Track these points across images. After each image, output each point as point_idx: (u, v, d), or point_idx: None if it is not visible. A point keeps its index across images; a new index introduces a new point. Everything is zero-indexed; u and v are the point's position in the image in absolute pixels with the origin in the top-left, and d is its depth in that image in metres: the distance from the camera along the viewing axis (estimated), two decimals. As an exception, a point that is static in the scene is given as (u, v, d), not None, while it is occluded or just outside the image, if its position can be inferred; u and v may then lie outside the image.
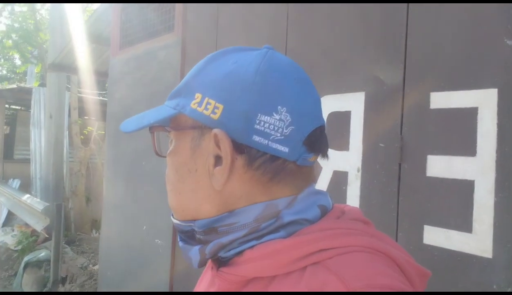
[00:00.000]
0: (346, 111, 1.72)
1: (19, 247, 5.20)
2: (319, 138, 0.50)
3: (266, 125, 0.47)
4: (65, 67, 5.04)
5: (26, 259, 4.60)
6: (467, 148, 1.39)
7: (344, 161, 1.71)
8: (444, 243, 1.39)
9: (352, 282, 0.40)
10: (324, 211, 0.50)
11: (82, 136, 6.40)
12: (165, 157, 0.56)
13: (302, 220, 0.48)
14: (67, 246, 4.69)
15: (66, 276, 4.23)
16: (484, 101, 1.37)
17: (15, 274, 4.82)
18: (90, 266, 4.21)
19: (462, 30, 1.44)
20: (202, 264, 0.51)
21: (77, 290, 3.87)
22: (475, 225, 1.34)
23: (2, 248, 5.66)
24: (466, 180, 1.39)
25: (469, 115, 1.40)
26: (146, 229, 3.03)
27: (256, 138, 0.47)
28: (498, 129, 1.33)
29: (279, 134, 0.47)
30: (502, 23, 1.34)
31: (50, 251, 4.39)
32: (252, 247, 0.47)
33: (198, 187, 0.51)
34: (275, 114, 0.47)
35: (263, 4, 2.22)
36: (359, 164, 1.67)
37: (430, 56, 1.52)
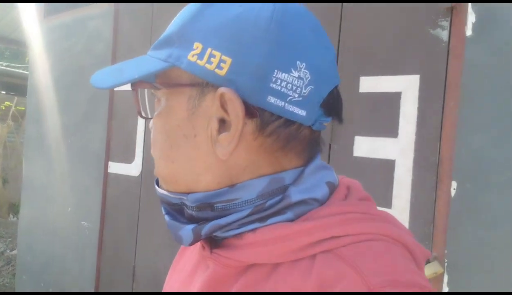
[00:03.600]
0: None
1: None
2: (336, 99, 0.44)
3: (284, 84, 0.39)
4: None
5: None
6: (391, 130, 1.49)
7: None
8: (367, 218, 1.49)
9: (371, 277, 0.36)
10: (332, 189, 0.45)
11: (-1, 112, 5.83)
12: (151, 118, 0.48)
13: (310, 200, 0.43)
14: (-20, 230, 4.28)
15: (-21, 262, 3.87)
16: (407, 86, 1.47)
17: None
18: (8, 251, 3.89)
19: (390, 19, 1.53)
20: (194, 243, 0.45)
21: (-9, 277, 3.56)
22: (395, 201, 1.45)
23: None
24: (388, 160, 1.49)
25: (394, 99, 1.49)
26: (71, 211, 2.86)
27: (272, 99, 0.39)
28: (418, 113, 1.43)
29: (297, 95, 0.40)
30: (428, 14, 1.44)
31: (-41, 235, 3.98)
32: (254, 229, 0.42)
33: (197, 155, 0.43)
34: (293, 71, 0.39)
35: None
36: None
37: (361, 43, 1.59)
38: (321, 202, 0.44)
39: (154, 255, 2.29)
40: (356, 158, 1.57)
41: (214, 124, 0.41)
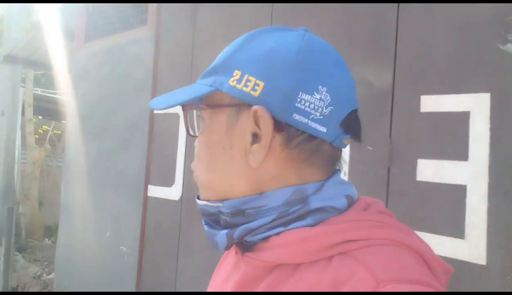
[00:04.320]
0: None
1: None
2: (354, 121, 0.50)
3: (307, 104, 0.46)
4: (22, 60, 4.69)
5: (-31, 268, 4.18)
6: (459, 152, 1.37)
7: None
8: (436, 249, 1.36)
9: (380, 273, 0.40)
10: (351, 202, 0.50)
11: (37, 136, 5.98)
12: (197, 136, 0.56)
13: (329, 208, 0.48)
14: (18, 253, 4.32)
15: (17, 286, 3.88)
16: (476, 105, 1.36)
17: (-44, 285, 4.37)
18: (44, 275, 3.89)
19: (453, 33, 1.43)
20: (228, 248, 0.51)
21: (29, 301, 3.55)
22: (468, 231, 1.32)
23: None
24: (457, 185, 1.37)
25: (461, 119, 1.39)
26: (110, 236, 2.83)
27: (296, 116, 0.46)
28: (491, 133, 1.32)
29: (318, 114, 0.47)
30: (495, 27, 1.35)
31: (0, 258, 4.02)
32: (278, 233, 0.47)
33: (233, 165, 0.50)
34: (315, 94, 0.47)
35: (244, 4, 2.14)
36: (345, 168, 1.61)
37: (420, 59, 1.50)
38: (340, 211, 0.48)
39: (196, 280, 2.21)
40: (420, 182, 1.45)
41: (248, 138, 0.49)
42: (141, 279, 2.55)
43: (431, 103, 1.46)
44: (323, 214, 0.47)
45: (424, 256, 0.45)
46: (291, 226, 0.47)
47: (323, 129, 0.47)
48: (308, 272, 0.45)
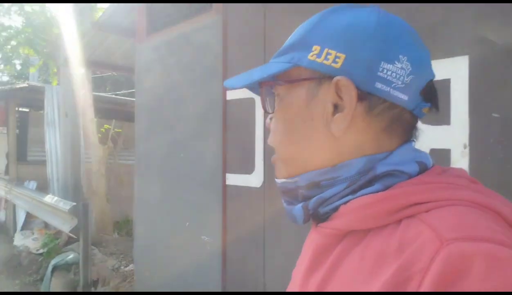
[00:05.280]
0: (443, 79, 1.50)
1: (44, 250, 5.02)
2: (433, 89, 0.52)
3: (389, 73, 0.48)
4: (82, 62, 4.83)
5: (53, 262, 4.41)
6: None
7: (445, 137, 1.49)
8: None
9: (445, 233, 0.39)
10: (423, 168, 0.50)
11: (99, 135, 6.20)
12: (272, 113, 0.57)
13: (397, 172, 0.48)
14: (94, 247, 4.51)
15: (98, 279, 4.05)
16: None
17: (41, 279, 4.64)
18: (122, 267, 4.03)
19: None
20: (306, 220, 0.53)
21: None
22: None
23: (24, 252, 5.49)
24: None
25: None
26: (189, 226, 2.83)
27: (379, 85, 0.48)
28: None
29: (400, 83, 0.48)
30: None
31: (78, 253, 4.20)
32: (346, 202, 0.49)
33: (314, 136, 0.52)
34: (397, 63, 0.48)
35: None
36: (465, 139, 1.45)
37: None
38: (410, 176, 0.48)
39: (285, 268, 2.14)
40: None
41: (329, 108, 0.50)
42: (225, 268, 2.52)
43: None
44: (391, 178, 0.48)
45: (508, 217, 0.43)
46: (359, 193, 0.48)
47: (404, 97, 0.48)
48: (376, 237, 0.45)
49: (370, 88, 0.48)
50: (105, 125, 6.47)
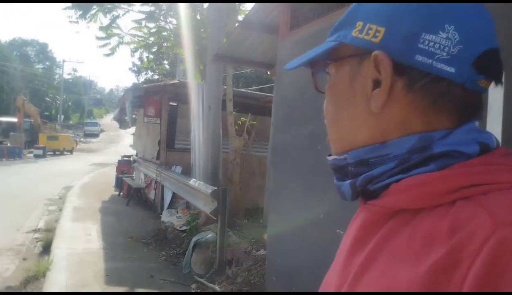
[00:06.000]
0: None
1: (187, 228, 5.64)
2: (491, 60, 0.46)
3: (431, 44, 0.45)
4: (227, 59, 5.24)
5: (195, 238, 4.92)
6: None
7: None
8: None
9: (502, 216, 0.37)
10: (485, 149, 0.46)
11: (236, 127, 6.67)
12: (324, 93, 0.57)
13: (455, 153, 0.45)
14: (229, 230, 4.88)
15: (232, 259, 4.37)
16: None
17: (183, 253, 5.22)
18: (253, 251, 4.27)
19: None
20: (355, 197, 0.53)
21: (245, 274, 3.93)
22: None
23: (170, 228, 6.25)
24: None
25: None
26: (324, 218, 2.83)
27: (419, 58, 0.45)
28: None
29: (445, 54, 0.45)
30: None
31: (216, 233, 4.60)
32: (398, 180, 0.47)
33: (356, 113, 0.51)
34: (441, 33, 0.45)
35: None
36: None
37: None
38: (470, 157, 0.45)
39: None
40: None
41: (369, 84, 0.49)
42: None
43: None
44: (448, 159, 0.45)
45: None
46: (412, 172, 0.46)
47: (450, 69, 0.45)
48: (428, 217, 0.43)
49: (410, 61, 0.45)
50: (241, 118, 6.92)
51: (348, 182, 0.52)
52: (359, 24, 0.50)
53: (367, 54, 0.49)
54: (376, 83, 0.49)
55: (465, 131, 0.47)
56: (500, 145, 0.49)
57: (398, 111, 0.48)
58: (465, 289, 0.37)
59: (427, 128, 0.47)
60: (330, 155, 0.58)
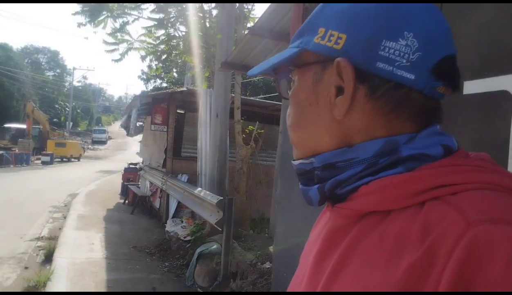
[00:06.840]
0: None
1: (191, 238, 5.50)
2: (449, 67, 0.47)
3: (391, 51, 0.46)
4: (235, 66, 5.15)
5: (199, 250, 4.79)
6: None
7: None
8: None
9: (472, 215, 0.38)
10: (449, 151, 0.47)
11: (244, 135, 6.56)
12: (288, 98, 0.57)
13: (422, 155, 0.46)
14: (234, 241, 4.74)
15: (237, 271, 4.22)
16: None
17: (187, 264, 5.08)
18: (259, 264, 4.12)
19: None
20: (322, 202, 0.52)
21: (250, 288, 3.79)
22: None
23: (174, 238, 6.12)
24: None
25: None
26: (334, 232, 2.69)
27: (380, 65, 0.46)
28: None
29: (405, 61, 0.45)
30: None
31: (220, 244, 4.46)
32: (367, 182, 0.47)
33: (319, 119, 0.52)
34: (401, 40, 0.46)
35: None
36: None
37: None
38: (435, 159, 0.46)
39: None
40: None
41: (332, 91, 0.50)
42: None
43: None
44: (415, 162, 0.46)
45: None
46: (381, 174, 0.47)
47: (410, 76, 0.46)
48: (397, 219, 0.44)
49: (371, 68, 0.46)
50: (249, 126, 6.82)
51: (316, 186, 0.52)
52: (321, 30, 0.50)
53: (330, 61, 0.49)
54: (339, 90, 0.49)
55: (428, 134, 0.48)
56: (460, 148, 0.49)
57: (361, 118, 0.49)
58: (440, 289, 0.37)
59: (390, 133, 0.48)
60: (294, 160, 0.57)
